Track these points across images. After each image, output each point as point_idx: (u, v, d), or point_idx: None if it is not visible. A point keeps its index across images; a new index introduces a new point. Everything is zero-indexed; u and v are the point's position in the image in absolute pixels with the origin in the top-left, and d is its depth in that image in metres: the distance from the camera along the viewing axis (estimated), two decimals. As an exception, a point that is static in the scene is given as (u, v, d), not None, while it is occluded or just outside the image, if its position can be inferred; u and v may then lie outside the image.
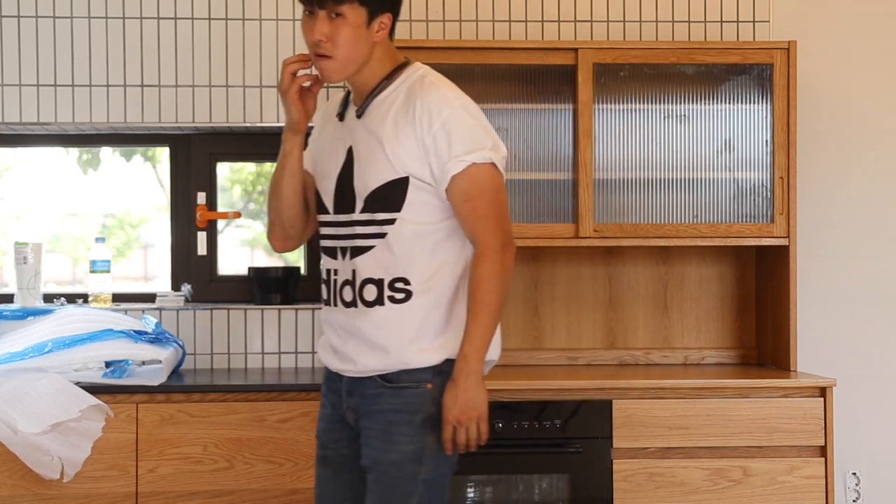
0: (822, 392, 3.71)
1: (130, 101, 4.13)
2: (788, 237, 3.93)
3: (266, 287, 4.21)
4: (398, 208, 2.69)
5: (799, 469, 3.68)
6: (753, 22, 4.28)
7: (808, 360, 4.17)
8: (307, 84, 2.78)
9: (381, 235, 2.70)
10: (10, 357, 3.61)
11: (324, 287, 2.84)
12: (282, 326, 4.17)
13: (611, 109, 3.97)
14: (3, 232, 4.53)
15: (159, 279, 4.57)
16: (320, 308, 3.07)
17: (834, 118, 4.30)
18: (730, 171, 4.00)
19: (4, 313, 3.93)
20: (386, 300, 2.70)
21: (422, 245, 2.71)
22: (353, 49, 2.69)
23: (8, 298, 4.20)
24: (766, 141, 3.97)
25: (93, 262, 4.17)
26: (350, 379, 2.78)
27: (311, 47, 2.71)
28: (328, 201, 2.80)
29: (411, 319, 2.70)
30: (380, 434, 2.71)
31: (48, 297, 4.20)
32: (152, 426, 3.55)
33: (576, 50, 3.92)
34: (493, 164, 2.71)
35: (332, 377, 2.86)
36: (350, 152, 2.76)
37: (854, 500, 4.27)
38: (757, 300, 4.26)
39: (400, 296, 2.70)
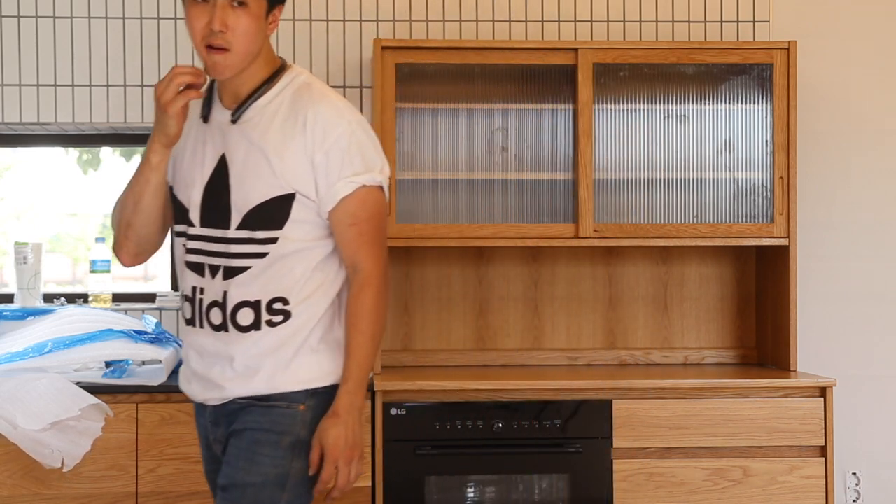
0: (822, 392, 3.71)
1: (130, 101, 4.13)
2: (788, 237, 3.93)
3: (266, 287, 4.20)
4: (280, 226, 2.50)
5: (799, 469, 3.68)
6: (753, 22, 4.28)
7: (808, 360, 4.17)
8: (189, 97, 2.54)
9: (261, 255, 2.50)
10: (10, 357, 3.61)
11: (186, 305, 2.61)
12: (282, 326, 4.16)
13: (611, 109, 3.97)
14: (3, 232, 4.53)
15: (159, 279, 4.57)
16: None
17: (834, 118, 4.30)
18: (730, 171, 4.00)
19: (4, 313, 3.92)
20: (263, 325, 2.51)
21: (303, 264, 2.53)
22: (252, 42, 2.49)
23: (8, 298, 4.20)
24: (766, 141, 3.97)
25: (93, 262, 4.17)
26: (214, 408, 2.59)
27: (206, 38, 2.48)
28: (194, 213, 2.57)
29: (288, 342, 2.52)
30: (243, 453, 2.50)
31: (48, 297, 4.19)
32: (152, 426, 3.55)
33: (576, 50, 3.92)
34: (381, 188, 2.56)
35: (199, 411, 2.67)
36: (223, 161, 2.54)
37: (854, 500, 4.27)
38: (757, 300, 4.26)
39: (278, 318, 2.51)
